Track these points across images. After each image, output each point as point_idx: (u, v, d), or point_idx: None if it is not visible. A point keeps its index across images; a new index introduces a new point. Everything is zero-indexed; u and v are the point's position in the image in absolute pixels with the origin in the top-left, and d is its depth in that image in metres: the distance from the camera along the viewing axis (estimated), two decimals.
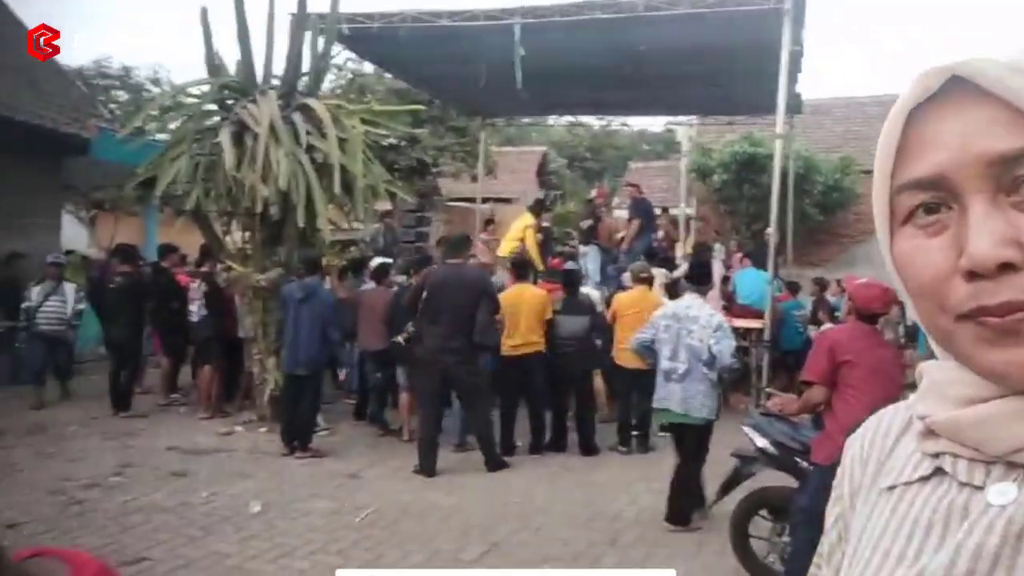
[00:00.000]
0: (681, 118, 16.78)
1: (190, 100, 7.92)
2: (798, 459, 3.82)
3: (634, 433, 7.21)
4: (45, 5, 13.40)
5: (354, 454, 6.53)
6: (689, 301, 5.19)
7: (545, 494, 5.65)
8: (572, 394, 7.10)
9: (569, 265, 8.85)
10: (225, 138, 6.70)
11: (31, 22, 11.89)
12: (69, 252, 12.22)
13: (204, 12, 7.38)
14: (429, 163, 15.39)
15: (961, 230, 0.52)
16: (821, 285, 10.32)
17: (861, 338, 3.65)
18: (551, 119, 18.31)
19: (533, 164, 24.15)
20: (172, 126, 8.02)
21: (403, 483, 5.79)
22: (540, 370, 6.97)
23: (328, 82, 15.09)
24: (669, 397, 4.94)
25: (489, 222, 13.12)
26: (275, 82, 7.71)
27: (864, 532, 0.62)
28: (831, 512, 0.69)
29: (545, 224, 15.03)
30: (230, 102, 7.39)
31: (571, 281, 7.35)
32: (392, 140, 13.05)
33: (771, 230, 8.23)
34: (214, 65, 7.55)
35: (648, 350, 5.23)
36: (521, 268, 7.46)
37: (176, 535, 4.49)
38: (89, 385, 8.30)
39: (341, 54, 13.07)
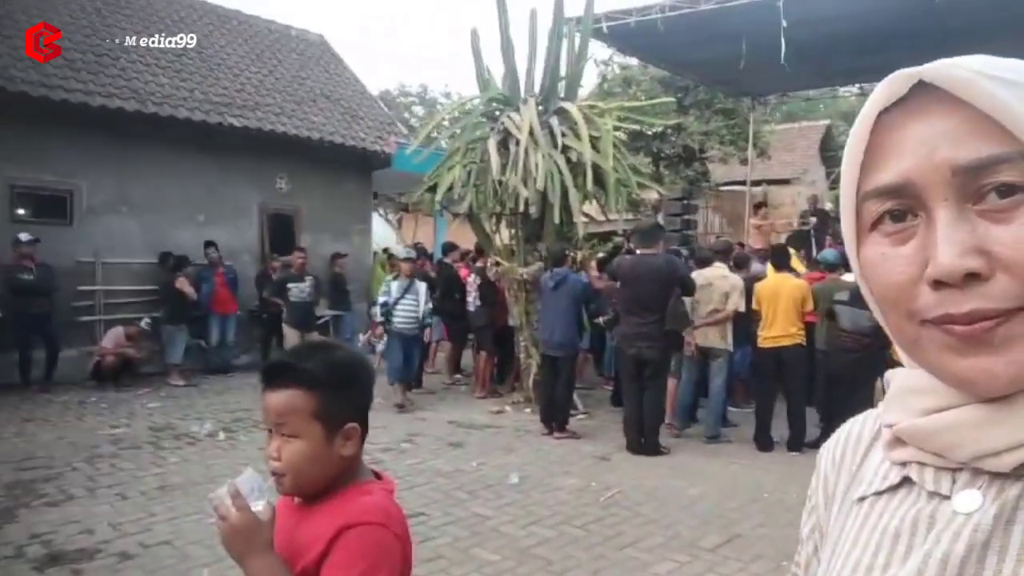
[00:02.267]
0: None
1: (467, 113, 8.89)
2: None
3: None
4: (361, 45, 15.75)
5: (607, 438, 6.85)
6: None
7: (799, 492, 5.39)
8: (849, 393, 6.60)
9: (833, 252, 8.18)
10: (492, 146, 7.43)
11: (351, 61, 14.04)
12: (385, 250, 14.36)
13: (475, 34, 8.22)
14: (695, 149, 15.16)
15: (928, 238, 0.51)
16: None
17: None
18: (842, 89, 16.83)
19: (815, 140, 22.37)
20: (457, 130, 9.02)
21: (650, 469, 5.98)
22: (799, 363, 6.66)
23: (595, 76, 15.66)
24: None
25: (761, 205, 12.57)
26: (537, 89, 8.32)
27: (838, 543, 0.62)
28: (806, 522, 0.70)
29: (827, 205, 13.98)
30: (497, 113, 8.15)
31: None
32: (657, 129, 13.15)
33: None
34: (484, 80, 8.38)
35: None
36: (781, 257, 7.16)
37: (448, 496, 5.21)
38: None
39: (606, 49, 13.50)
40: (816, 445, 6.58)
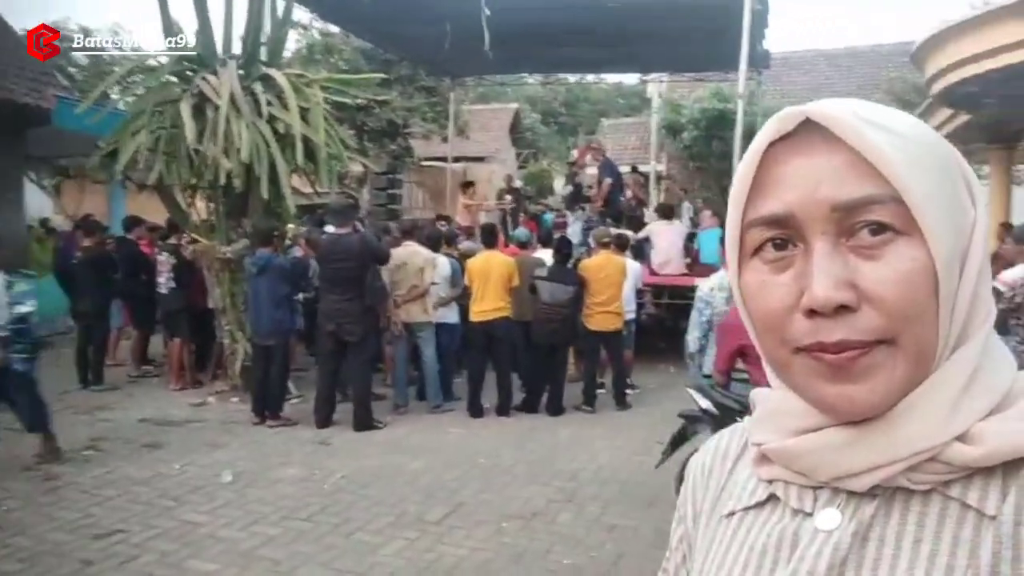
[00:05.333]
0: (652, 75, 16.74)
1: (152, 71, 7.82)
2: (738, 419, 4.01)
3: (600, 391, 7.49)
4: None
5: None
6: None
7: (511, 454, 5.86)
8: (549, 359, 7.22)
9: (524, 231, 8.95)
10: (185, 111, 6.65)
11: None
12: (43, 222, 12.11)
13: None
14: (400, 125, 15.25)
15: (805, 269, 0.54)
16: None
17: None
18: (528, 77, 18.17)
19: (506, 121, 23.96)
20: (140, 91, 7.88)
21: (371, 447, 5.98)
22: (507, 335, 7.14)
23: (293, 42, 14.86)
24: None
25: (469, 184, 13.09)
26: (236, 51, 7.62)
27: (707, 558, 0.64)
28: (675, 532, 0.73)
29: (518, 184, 15.08)
30: (190, 73, 7.31)
31: (561, 248, 7.31)
32: (361, 101, 12.96)
33: None
34: (173, 35, 7.43)
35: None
36: (490, 235, 7.57)
37: (149, 506, 4.64)
38: (59, 358, 8.32)
39: (307, 14, 12.88)
40: (523, 408, 7.18)
